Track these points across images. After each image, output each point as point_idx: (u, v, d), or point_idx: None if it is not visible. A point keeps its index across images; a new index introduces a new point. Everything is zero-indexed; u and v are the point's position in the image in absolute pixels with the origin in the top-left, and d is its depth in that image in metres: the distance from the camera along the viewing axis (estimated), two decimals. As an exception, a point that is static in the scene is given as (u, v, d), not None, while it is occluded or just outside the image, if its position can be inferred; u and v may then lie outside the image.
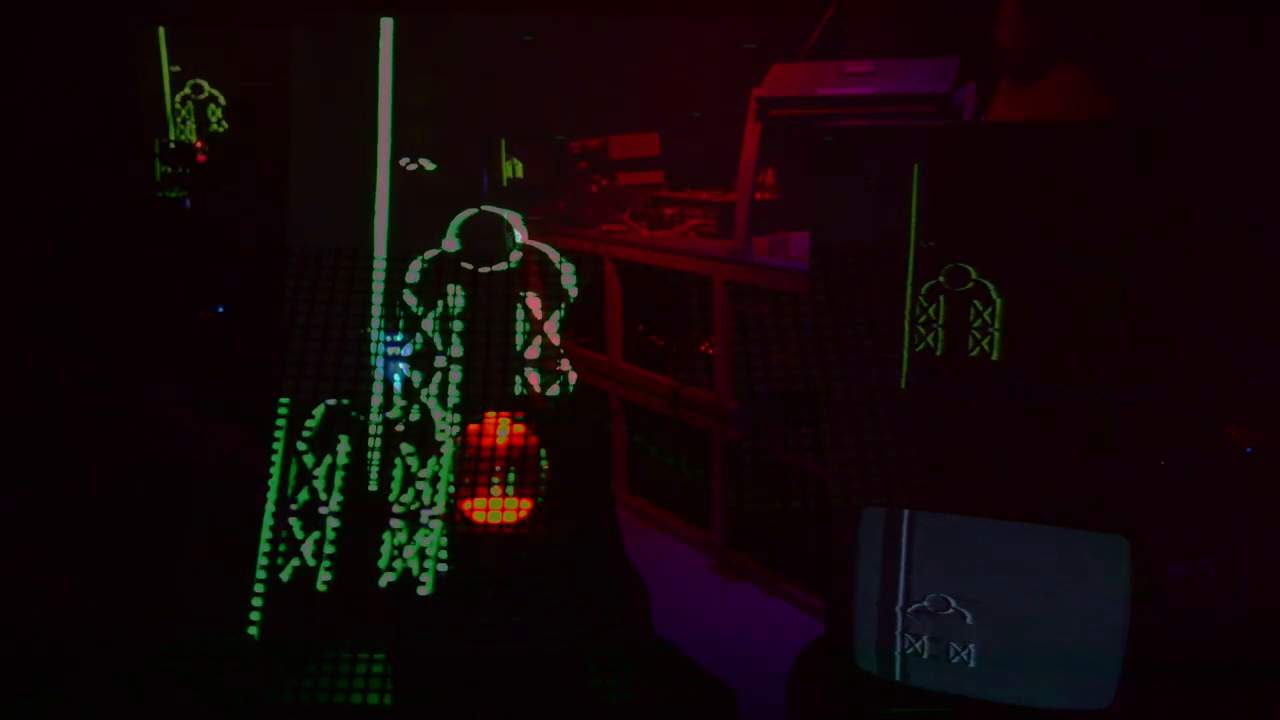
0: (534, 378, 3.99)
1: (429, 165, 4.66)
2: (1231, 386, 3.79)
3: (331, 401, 3.93)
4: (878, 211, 3.97)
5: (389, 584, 3.81)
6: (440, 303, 4.01)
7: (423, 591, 3.79)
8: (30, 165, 4.23)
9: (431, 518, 3.85)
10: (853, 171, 4.04)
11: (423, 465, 3.89)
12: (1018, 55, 4.30)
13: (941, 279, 3.89)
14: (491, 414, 3.93)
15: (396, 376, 3.99)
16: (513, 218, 4.11)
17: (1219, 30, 3.91)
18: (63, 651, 3.56)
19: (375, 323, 4.02)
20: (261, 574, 3.80)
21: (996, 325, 3.84)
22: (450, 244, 4.05)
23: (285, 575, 3.81)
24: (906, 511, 3.23)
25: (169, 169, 5.37)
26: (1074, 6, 4.26)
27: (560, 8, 4.87)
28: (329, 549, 3.83)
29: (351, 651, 3.63)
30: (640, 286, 5.36)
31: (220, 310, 4.80)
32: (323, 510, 3.86)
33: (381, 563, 3.82)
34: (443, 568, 3.80)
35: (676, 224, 5.41)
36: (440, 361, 3.98)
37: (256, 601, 3.78)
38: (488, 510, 3.82)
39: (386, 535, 3.84)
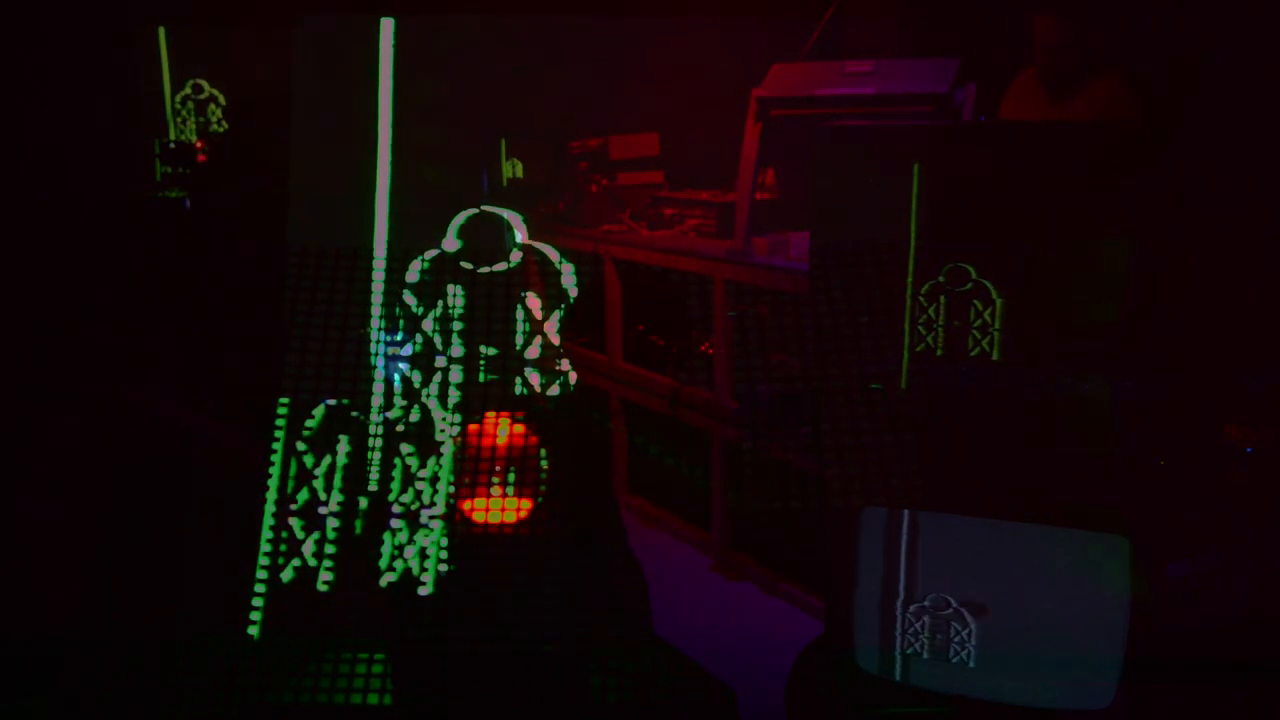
0: (534, 378, 3.99)
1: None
2: (1231, 386, 3.79)
3: (331, 401, 3.93)
4: (878, 211, 3.97)
5: (389, 584, 3.81)
6: (440, 303, 4.01)
7: (423, 591, 3.79)
8: (29, 165, 4.23)
9: (431, 518, 3.85)
10: (853, 171, 4.04)
11: (423, 465, 3.89)
12: (1058, 66, 4.30)
13: (941, 279, 3.89)
14: (491, 414, 3.93)
15: (396, 376, 3.99)
16: (513, 218, 4.11)
17: (1219, 29, 3.92)
18: (63, 651, 3.56)
19: (375, 323, 4.02)
20: (261, 574, 3.81)
21: (996, 325, 3.84)
22: (450, 244, 4.05)
23: (285, 575, 3.81)
24: (906, 511, 3.23)
25: (169, 169, 5.36)
26: (1136, 13, 4.26)
27: (560, 8, 4.87)
28: (329, 549, 3.83)
29: (351, 651, 3.63)
30: (640, 286, 5.36)
31: (220, 310, 4.79)
32: (323, 510, 3.86)
33: (382, 563, 3.82)
34: (443, 568, 3.80)
35: (676, 224, 5.41)
36: (440, 361, 3.98)
37: (256, 601, 3.78)
38: (488, 510, 3.82)
39: (386, 535, 3.84)
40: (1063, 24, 4.30)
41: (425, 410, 3.94)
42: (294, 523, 3.84)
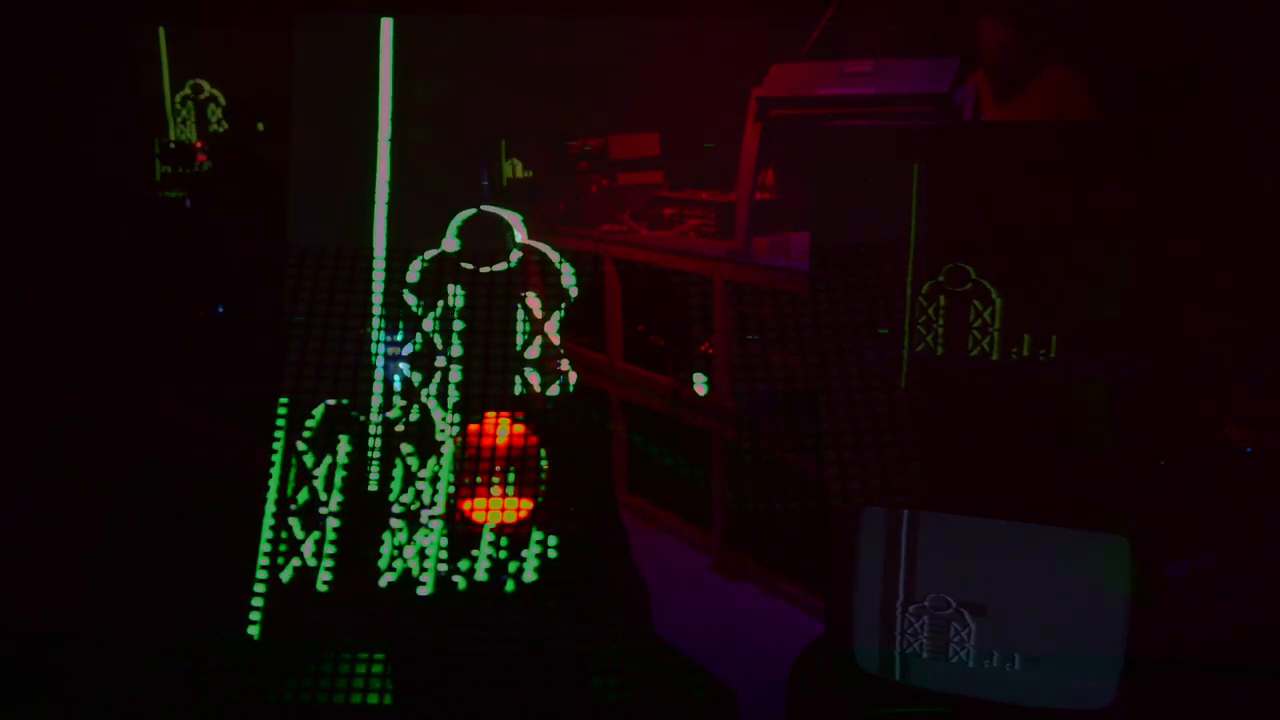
0: (534, 378, 3.99)
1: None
2: (1231, 386, 3.79)
3: (331, 401, 3.93)
4: (878, 211, 3.97)
5: (389, 584, 3.81)
6: (440, 303, 4.01)
7: (423, 591, 3.79)
8: (29, 166, 4.23)
9: (431, 518, 3.85)
10: (853, 171, 4.05)
11: (423, 465, 3.89)
12: (1004, 62, 4.31)
13: (941, 279, 3.89)
14: (491, 414, 3.93)
15: (396, 376, 3.99)
16: (513, 218, 4.11)
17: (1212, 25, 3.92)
18: (62, 652, 3.56)
19: (375, 323, 4.02)
20: (261, 574, 3.81)
21: (996, 325, 3.85)
22: (450, 244, 4.05)
23: (285, 575, 3.81)
24: (906, 511, 3.23)
25: (169, 169, 5.36)
26: (1057, 9, 4.27)
27: (560, 8, 4.86)
28: (329, 549, 3.83)
29: (351, 651, 3.63)
30: (640, 286, 5.36)
31: (220, 310, 4.79)
32: (323, 510, 3.86)
33: (381, 563, 3.82)
34: (443, 568, 3.80)
35: (676, 224, 5.40)
36: (440, 361, 3.98)
37: (256, 601, 3.78)
38: (488, 510, 3.82)
39: (386, 535, 3.84)
40: (1002, 23, 4.31)
41: (425, 410, 3.94)
42: (294, 523, 3.84)
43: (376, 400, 3.95)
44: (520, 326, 4.02)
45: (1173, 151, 3.77)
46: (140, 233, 4.60)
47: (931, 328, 3.90)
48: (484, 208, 4.11)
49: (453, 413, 3.94)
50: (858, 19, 4.77)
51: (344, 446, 3.91)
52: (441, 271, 4.03)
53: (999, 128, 4.38)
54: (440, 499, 3.86)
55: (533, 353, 4.00)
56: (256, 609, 3.77)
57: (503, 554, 3.80)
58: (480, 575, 3.78)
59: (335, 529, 3.85)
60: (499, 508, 3.83)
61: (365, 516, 3.86)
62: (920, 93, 4.37)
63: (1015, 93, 4.32)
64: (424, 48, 4.31)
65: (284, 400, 3.92)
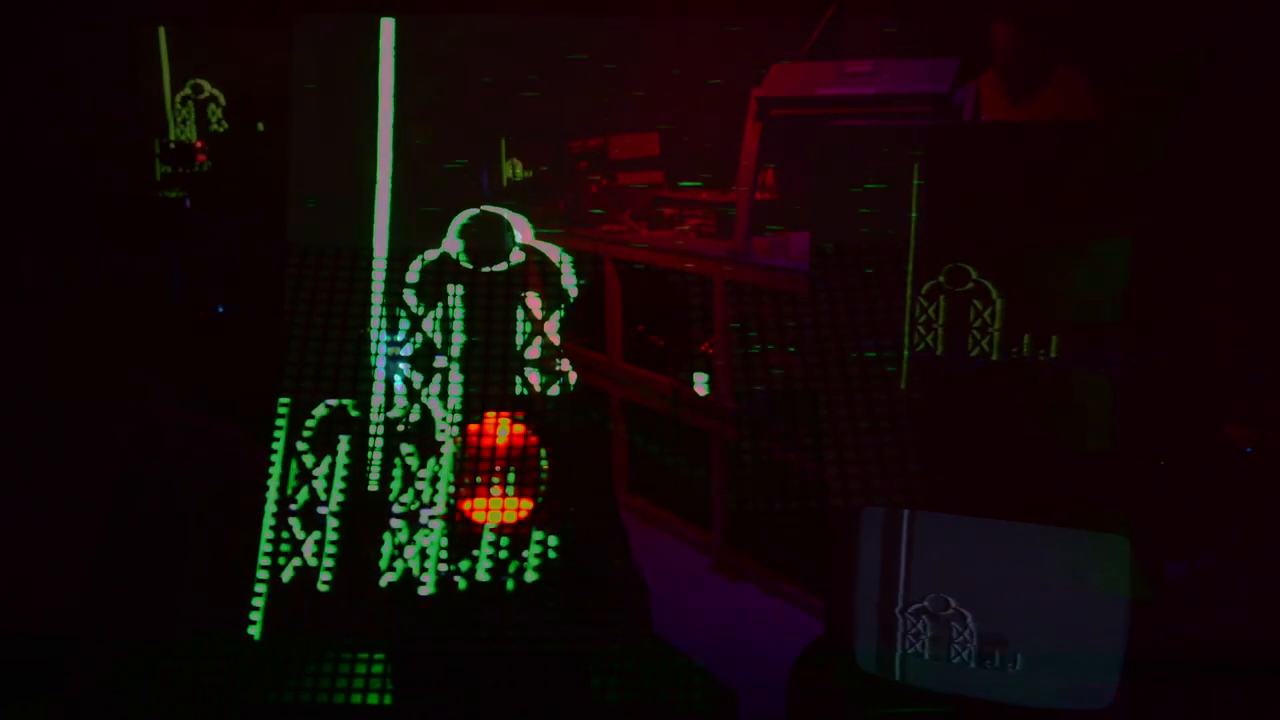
0: (534, 378, 3.99)
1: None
2: (1231, 386, 3.79)
3: (331, 401, 3.93)
4: (878, 211, 3.97)
5: (389, 584, 3.81)
6: (440, 303, 4.01)
7: (423, 591, 3.79)
8: (29, 166, 4.23)
9: (431, 518, 3.85)
10: (853, 171, 4.05)
11: (423, 465, 3.89)
12: (1017, 64, 4.31)
13: (941, 279, 3.89)
14: (491, 414, 3.93)
15: (396, 376, 3.99)
16: (513, 218, 4.11)
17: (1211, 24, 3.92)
18: (62, 652, 3.56)
19: (375, 323, 4.02)
20: (261, 574, 3.81)
21: (996, 325, 3.84)
22: (451, 244, 4.05)
23: (285, 575, 3.81)
24: (906, 511, 3.23)
25: (169, 169, 5.36)
26: (1073, 11, 4.27)
27: (560, 8, 4.86)
28: (329, 549, 3.83)
29: (351, 651, 3.64)
30: (640, 286, 5.36)
31: (220, 310, 4.79)
32: (323, 510, 3.86)
33: (382, 563, 3.82)
34: (443, 568, 3.80)
35: (676, 224, 5.40)
36: (440, 361, 3.98)
37: (256, 601, 3.78)
38: (488, 510, 3.83)
39: (387, 535, 3.84)
40: (1018, 26, 4.31)
41: (425, 410, 3.94)
42: (294, 523, 3.84)
43: (376, 400, 3.95)
44: (520, 326, 4.02)
45: (1173, 151, 3.77)
46: (140, 233, 4.60)
47: (931, 328, 3.90)
48: (484, 208, 4.11)
49: (453, 413, 3.94)
50: (858, 19, 4.77)
51: (344, 446, 3.91)
52: (442, 271, 4.03)
53: (999, 128, 4.38)
54: (440, 499, 3.86)
55: (533, 353, 4.00)
56: (256, 609, 3.77)
57: (503, 554, 3.80)
58: (480, 575, 3.78)
59: (335, 529, 3.85)
60: (499, 508, 3.83)
61: (365, 516, 3.86)
62: (920, 93, 4.37)
63: (1027, 94, 4.33)
64: (425, 47, 4.31)
65: (284, 400, 3.92)
